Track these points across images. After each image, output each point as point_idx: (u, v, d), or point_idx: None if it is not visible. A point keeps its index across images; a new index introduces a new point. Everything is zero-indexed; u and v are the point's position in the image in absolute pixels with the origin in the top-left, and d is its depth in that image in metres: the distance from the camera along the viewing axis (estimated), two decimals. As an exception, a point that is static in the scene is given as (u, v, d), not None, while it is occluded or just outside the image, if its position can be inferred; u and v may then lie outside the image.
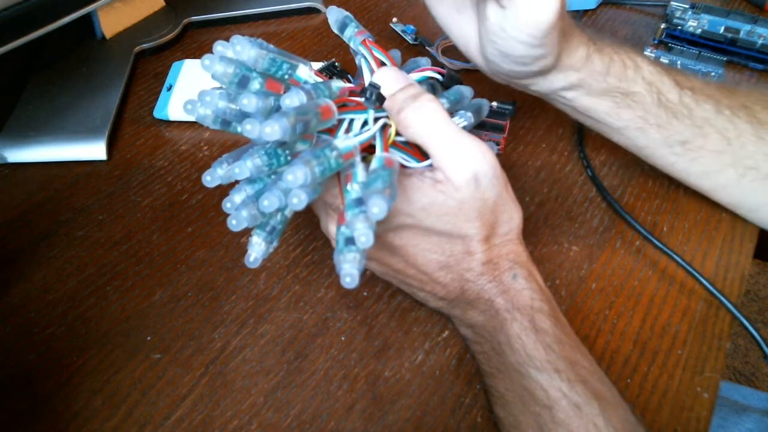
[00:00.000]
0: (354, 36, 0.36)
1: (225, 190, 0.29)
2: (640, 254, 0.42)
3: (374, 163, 0.29)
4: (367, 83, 0.34)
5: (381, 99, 0.31)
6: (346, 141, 0.29)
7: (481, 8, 0.36)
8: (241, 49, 0.28)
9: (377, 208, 0.25)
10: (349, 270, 0.26)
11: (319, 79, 0.32)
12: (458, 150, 0.31)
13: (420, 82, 0.36)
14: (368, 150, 0.32)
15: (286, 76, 0.31)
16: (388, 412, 0.34)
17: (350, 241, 0.27)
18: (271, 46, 0.30)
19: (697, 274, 0.39)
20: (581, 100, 0.39)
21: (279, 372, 0.35)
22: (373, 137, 0.31)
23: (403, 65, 0.39)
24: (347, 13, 0.37)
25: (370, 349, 0.36)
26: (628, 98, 0.38)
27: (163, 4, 0.60)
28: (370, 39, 0.36)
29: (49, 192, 0.44)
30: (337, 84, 0.32)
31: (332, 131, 0.31)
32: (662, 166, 0.42)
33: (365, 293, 0.39)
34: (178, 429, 0.33)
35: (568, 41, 0.36)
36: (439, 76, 0.37)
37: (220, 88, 0.29)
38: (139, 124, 0.50)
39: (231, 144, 0.48)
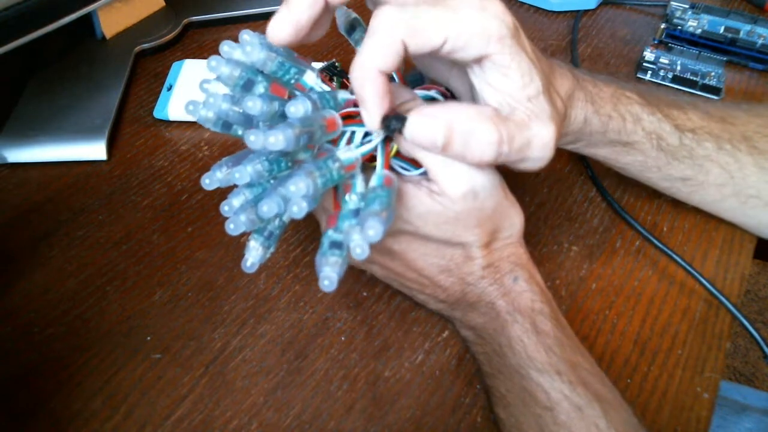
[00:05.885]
0: (362, 41, 0.36)
1: (225, 190, 0.29)
2: (640, 254, 0.42)
3: (373, 181, 0.29)
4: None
5: (400, 131, 0.29)
6: (348, 153, 0.28)
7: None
8: (251, 50, 0.28)
9: (373, 230, 0.25)
10: (328, 273, 0.26)
11: (326, 86, 0.31)
12: (453, 165, 0.30)
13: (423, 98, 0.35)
14: (368, 159, 0.31)
15: (293, 81, 0.30)
16: (388, 412, 0.34)
17: (335, 245, 0.27)
18: (279, 48, 0.29)
19: (697, 274, 0.39)
20: (581, 149, 0.39)
21: (279, 372, 0.35)
22: (375, 150, 0.31)
23: (410, 72, 0.38)
24: (356, 16, 0.36)
25: (370, 349, 0.36)
26: (628, 147, 0.38)
27: (163, 4, 0.60)
28: None
29: (49, 192, 0.44)
30: (343, 95, 0.31)
31: (334, 140, 0.31)
32: (664, 193, 0.42)
33: (365, 293, 0.39)
34: (178, 429, 0.33)
35: (565, 118, 0.34)
36: (441, 97, 0.36)
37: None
38: (139, 124, 0.50)
39: (231, 144, 0.48)
